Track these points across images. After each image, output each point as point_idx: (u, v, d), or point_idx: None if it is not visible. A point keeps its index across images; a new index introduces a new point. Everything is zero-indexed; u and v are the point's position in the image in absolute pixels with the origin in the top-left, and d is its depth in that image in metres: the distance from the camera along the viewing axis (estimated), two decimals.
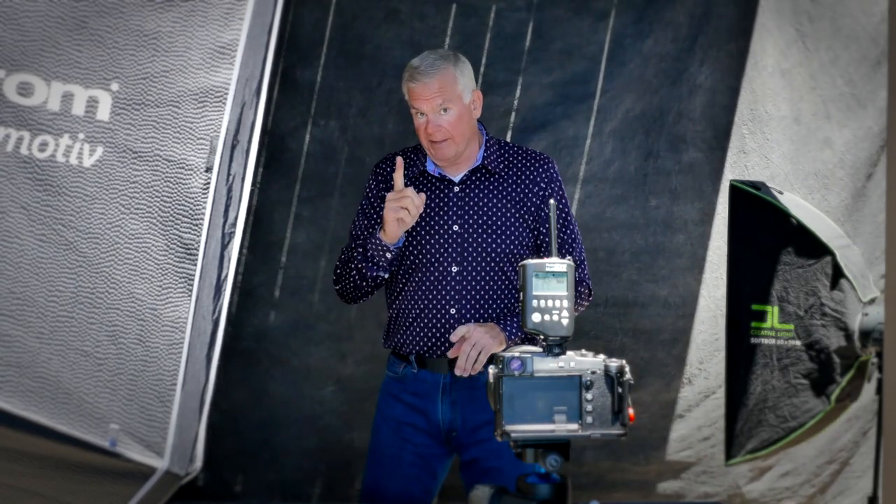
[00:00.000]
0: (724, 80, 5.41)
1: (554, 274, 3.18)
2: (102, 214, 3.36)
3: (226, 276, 3.45)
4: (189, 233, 3.38)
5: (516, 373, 3.14)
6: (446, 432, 4.41)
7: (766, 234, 4.63)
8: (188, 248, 3.39)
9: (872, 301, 4.52)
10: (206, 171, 3.39)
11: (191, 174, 3.40)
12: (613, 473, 5.59)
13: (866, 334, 4.45)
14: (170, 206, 3.39)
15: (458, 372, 4.27)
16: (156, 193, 3.39)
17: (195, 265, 3.38)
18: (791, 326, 4.56)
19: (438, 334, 4.38)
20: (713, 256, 5.46)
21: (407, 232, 4.36)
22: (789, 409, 4.56)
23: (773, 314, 4.58)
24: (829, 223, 4.69)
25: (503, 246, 4.35)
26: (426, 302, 4.37)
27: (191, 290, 3.37)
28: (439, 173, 4.39)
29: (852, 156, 5.38)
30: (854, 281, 4.49)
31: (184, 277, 3.38)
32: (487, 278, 4.35)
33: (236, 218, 3.44)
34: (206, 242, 3.38)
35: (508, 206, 4.36)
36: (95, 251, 3.35)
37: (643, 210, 5.44)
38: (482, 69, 5.39)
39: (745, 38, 5.39)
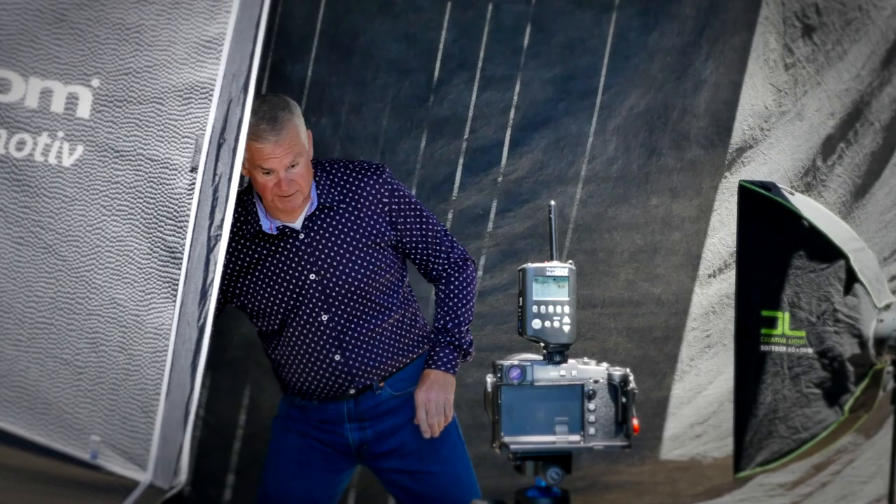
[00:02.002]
0: (727, 75, 5.39)
1: (555, 278, 3.17)
2: (83, 216, 3.34)
3: (212, 281, 3.41)
4: (173, 235, 3.37)
5: (515, 382, 3.15)
6: (357, 448, 4.45)
7: (776, 236, 4.60)
8: (172, 252, 3.37)
9: (888, 307, 4.51)
10: (192, 170, 3.38)
11: (175, 174, 3.39)
12: (609, 476, 5.59)
13: (881, 342, 4.44)
14: (153, 208, 3.37)
15: (427, 436, 4.34)
16: (138, 194, 3.37)
17: (180, 269, 3.36)
18: (803, 333, 4.54)
19: (332, 379, 4.38)
20: (708, 254, 5.46)
21: (266, 285, 4.33)
22: (801, 419, 4.55)
23: (783, 320, 4.57)
24: (842, 225, 4.68)
25: (366, 280, 4.31)
26: (308, 353, 4.37)
27: (175, 296, 3.35)
28: (277, 228, 4.32)
29: (852, 152, 5.37)
30: (868, 286, 4.48)
31: (168, 282, 3.36)
32: (362, 316, 4.35)
33: (223, 220, 3.41)
34: (191, 245, 3.36)
35: (357, 236, 4.32)
36: (75, 255, 3.33)
37: (644, 209, 5.43)
38: (480, 64, 5.36)
39: (750, 31, 5.37)
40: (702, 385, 5.50)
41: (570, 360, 3.17)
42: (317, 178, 4.33)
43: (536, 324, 3.16)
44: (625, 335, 5.46)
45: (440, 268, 4.45)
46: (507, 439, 3.13)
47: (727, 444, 5.07)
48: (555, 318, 3.16)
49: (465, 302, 4.43)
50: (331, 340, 4.34)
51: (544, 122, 5.38)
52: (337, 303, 4.32)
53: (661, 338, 5.49)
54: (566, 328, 3.16)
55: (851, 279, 4.48)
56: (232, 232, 4.30)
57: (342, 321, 4.33)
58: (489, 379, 3.16)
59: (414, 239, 4.40)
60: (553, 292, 3.17)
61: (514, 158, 5.34)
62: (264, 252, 4.32)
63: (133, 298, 3.34)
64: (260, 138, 4.15)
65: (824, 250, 4.53)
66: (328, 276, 4.30)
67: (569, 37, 5.36)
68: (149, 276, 3.35)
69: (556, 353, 3.17)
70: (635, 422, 3.18)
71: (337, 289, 4.30)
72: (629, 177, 5.39)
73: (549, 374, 3.15)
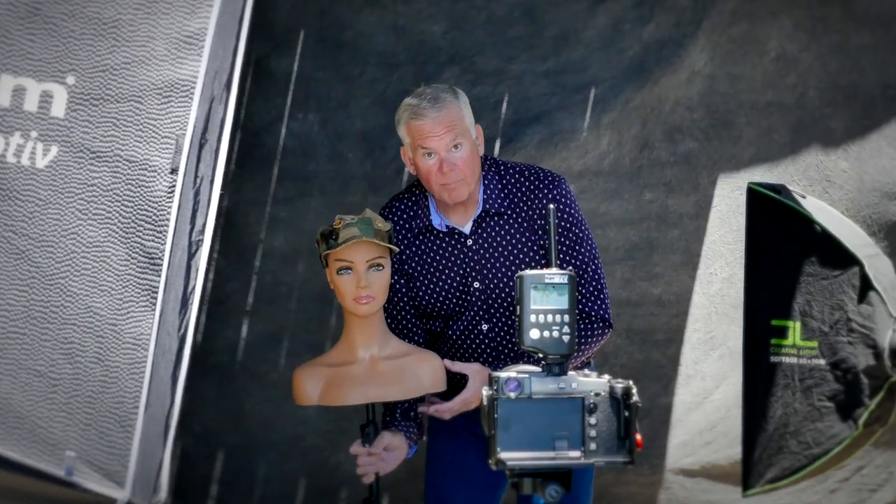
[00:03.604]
0: (724, 66, 5.37)
1: (554, 286, 3.09)
2: (57, 220, 3.32)
3: (193, 289, 3.39)
4: (152, 241, 3.34)
5: (512, 394, 3.07)
6: None
7: (786, 242, 4.62)
8: (151, 258, 3.34)
9: None
10: (172, 172, 3.37)
11: (154, 176, 3.36)
12: (617, 487, 5.56)
13: None
14: (131, 212, 3.35)
15: (431, 410, 4.23)
16: (116, 197, 3.34)
17: (159, 276, 3.34)
18: (815, 344, 4.56)
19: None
20: (708, 251, 5.42)
21: (430, 289, 4.30)
22: (813, 434, 4.56)
23: (794, 330, 4.58)
24: (856, 230, 4.69)
25: None
26: (465, 358, 4.34)
27: (154, 304, 3.33)
28: (447, 227, 4.29)
29: (857, 146, 5.33)
30: (884, 294, 4.48)
31: (147, 290, 3.34)
32: None
33: (204, 224, 3.41)
34: (171, 251, 3.35)
35: (524, 249, 4.26)
36: (49, 261, 3.31)
37: (637, 204, 5.40)
38: (471, 57, 5.33)
39: (749, 22, 5.35)
40: (708, 390, 5.47)
41: (570, 372, 3.09)
42: (486, 181, 4.29)
43: (535, 334, 3.07)
44: (625, 337, 5.43)
45: None
46: (503, 455, 3.05)
47: (737, 452, 5.05)
48: (554, 327, 3.07)
49: None
50: (489, 350, 4.31)
51: (537, 116, 5.35)
52: (498, 314, 4.28)
53: (663, 340, 5.46)
54: (566, 338, 3.08)
55: (866, 286, 4.51)
56: (400, 233, 4.33)
57: (502, 332, 4.29)
58: (485, 392, 3.08)
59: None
60: (552, 301, 3.08)
61: (507, 154, 5.32)
62: (431, 252, 4.30)
63: (110, 307, 3.31)
64: (420, 116, 4.14)
65: (837, 256, 4.55)
66: (492, 286, 4.26)
67: (562, 28, 5.33)
68: (127, 284, 3.33)
69: (556, 364, 3.08)
70: (638, 436, 3.08)
71: (500, 300, 4.26)
72: (621, 171, 5.38)
73: (548, 387, 3.07)
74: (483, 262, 4.25)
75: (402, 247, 4.31)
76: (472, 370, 4.21)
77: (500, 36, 5.32)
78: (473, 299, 4.26)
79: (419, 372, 4.19)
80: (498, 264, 4.25)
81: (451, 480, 4.39)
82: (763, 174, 5.18)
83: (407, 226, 4.30)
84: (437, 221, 4.27)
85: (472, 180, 4.19)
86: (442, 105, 4.14)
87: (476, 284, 4.25)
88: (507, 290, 4.24)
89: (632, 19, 5.32)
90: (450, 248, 4.27)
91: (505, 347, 4.29)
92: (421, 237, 4.29)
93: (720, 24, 5.31)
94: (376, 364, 4.18)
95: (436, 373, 4.20)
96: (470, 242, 4.25)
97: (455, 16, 5.31)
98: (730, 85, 5.35)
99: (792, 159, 5.33)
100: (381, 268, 4.09)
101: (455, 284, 4.27)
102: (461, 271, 4.26)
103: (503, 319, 4.27)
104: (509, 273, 4.24)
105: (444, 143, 4.13)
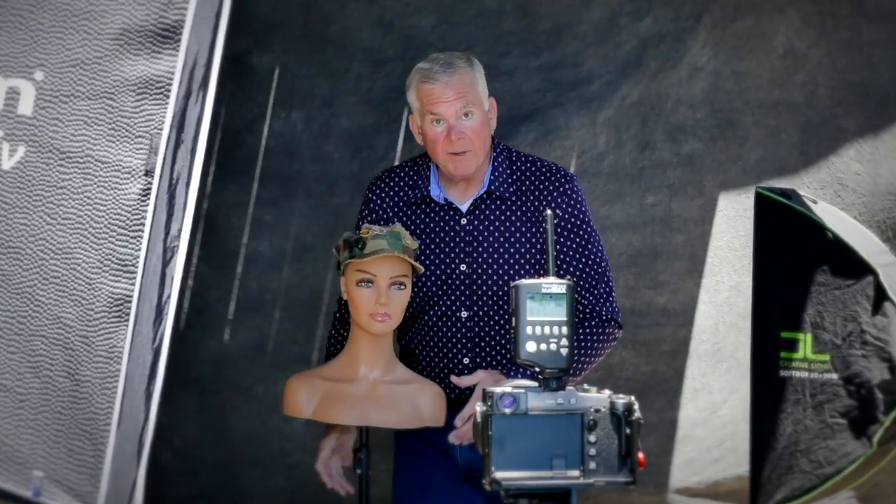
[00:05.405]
0: (729, 63, 5.37)
1: (552, 296, 3.04)
2: (24, 225, 3.28)
3: (168, 298, 3.36)
4: (126, 247, 3.29)
5: (508, 410, 3.03)
6: (467, 473, 4.31)
7: (797, 249, 4.60)
8: (124, 265, 3.29)
9: None
10: (146, 174, 3.30)
11: (128, 178, 3.30)
12: None
13: None
14: (103, 216, 3.29)
15: (453, 440, 4.16)
16: (87, 200, 3.30)
17: (133, 284, 3.28)
18: (826, 357, 4.56)
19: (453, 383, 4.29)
20: (714, 258, 5.40)
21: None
22: (824, 452, 4.55)
23: (805, 343, 4.58)
24: (870, 237, 4.68)
25: None
26: (437, 349, 4.30)
27: (127, 314, 3.28)
28: (444, 199, 4.29)
29: (870, 147, 5.31)
30: None
31: (119, 299, 3.28)
32: (503, 323, 4.27)
33: (180, 229, 3.39)
34: (145, 258, 3.29)
35: (522, 239, 4.25)
36: (16, 268, 3.27)
37: (640, 208, 5.40)
38: (462, 52, 5.24)
39: (754, 17, 5.34)
40: (716, 404, 5.45)
41: (569, 387, 3.06)
42: (496, 163, 4.29)
43: (531, 346, 3.03)
44: (630, 349, 5.40)
45: (580, 308, 4.31)
46: (498, 475, 3.01)
47: (746, 470, 5.01)
48: (551, 340, 3.03)
49: (582, 353, 4.27)
50: (464, 340, 4.27)
51: (531, 114, 5.35)
52: (480, 302, 4.25)
53: (668, 352, 5.44)
54: (564, 351, 3.03)
55: (880, 297, 4.50)
56: (392, 200, 4.34)
57: (481, 323, 4.26)
58: (479, 408, 3.04)
59: (565, 264, 4.28)
60: (550, 311, 3.04)
61: None
62: (421, 225, 4.28)
63: (81, 317, 3.26)
64: (431, 79, 4.19)
65: (850, 264, 4.54)
66: (479, 271, 4.24)
67: (556, 22, 5.33)
68: (98, 292, 3.27)
69: (553, 378, 3.04)
70: (640, 455, 3.04)
71: (485, 287, 4.24)
72: (622, 172, 5.36)
73: (546, 403, 3.02)
74: (475, 244, 4.22)
75: (390, 215, 4.29)
76: (480, 377, 4.15)
77: (491, 30, 5.32)
78: (459, 283, 4.23)
79: (418, 401, 4.14)
80: (491, 249, 4.22)
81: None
82: (771, 177, 5.17)
83: (402, 193, 4.29)
84: (435, 192, 4.26)
85: (480, 153, 4.19)
86: (454, 70, 4.16)
87: (462, 267, 4.23)
88: (494, 276, 4.23)
89: (628, 13, 5.31)
90: (441, 223, 4.25)
91: (482, 339, 4.25)
92: (413, 207, 4.28)
93: (723, 18, 5.31)
94: (376, 386, 4.13)
95: (436, 404, 4.16)
96: (464, 221, 4.23)
97: (444, 9, 5.30)
98: (735, 83, 5.34)
99: (801, 161, 5.32)
100: (402, 286, 4.06)
101: (440, 264, 4.24)
102: (449, 251, 4.24)
103: (484, 308, 4.23)
104: (500, 260, 4.22)
105: (454, 109, 4.14)
